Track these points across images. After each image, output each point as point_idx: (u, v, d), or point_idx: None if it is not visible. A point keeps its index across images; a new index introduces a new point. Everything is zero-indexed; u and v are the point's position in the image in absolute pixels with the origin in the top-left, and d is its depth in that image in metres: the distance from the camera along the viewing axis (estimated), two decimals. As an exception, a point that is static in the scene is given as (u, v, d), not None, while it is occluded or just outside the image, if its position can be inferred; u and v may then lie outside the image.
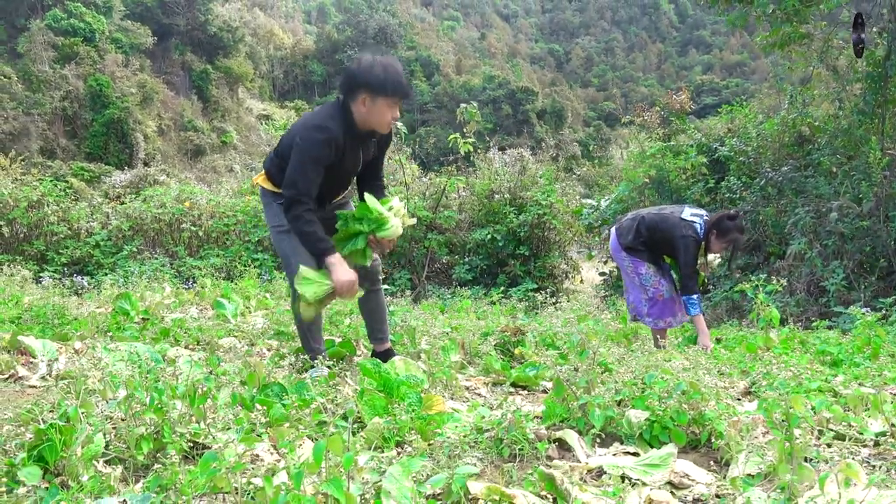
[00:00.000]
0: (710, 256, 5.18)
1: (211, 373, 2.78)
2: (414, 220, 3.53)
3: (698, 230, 4.91)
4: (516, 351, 3.85)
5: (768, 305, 4.19)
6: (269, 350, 4.04)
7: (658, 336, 5.18)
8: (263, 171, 3.57)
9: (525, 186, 12.03)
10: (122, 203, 12.10)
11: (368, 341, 3.87)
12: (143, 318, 4.87)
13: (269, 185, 3.53)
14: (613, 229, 5.37)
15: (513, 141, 63.32)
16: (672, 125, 13.73)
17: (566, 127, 79.02)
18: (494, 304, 6.77)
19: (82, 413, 1.95)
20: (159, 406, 1.98)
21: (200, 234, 11.13)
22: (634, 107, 16.32)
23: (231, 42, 62.66)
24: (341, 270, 3.18)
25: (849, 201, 9.02)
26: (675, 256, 5.04)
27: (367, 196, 3.39)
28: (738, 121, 11.94)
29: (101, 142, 46.97)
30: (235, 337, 4.25)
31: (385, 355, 3.60)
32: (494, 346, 3.92)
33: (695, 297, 4.84)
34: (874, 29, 10.18)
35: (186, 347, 3.82)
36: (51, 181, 11.67)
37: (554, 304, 7.01)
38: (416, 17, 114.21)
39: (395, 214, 3.37)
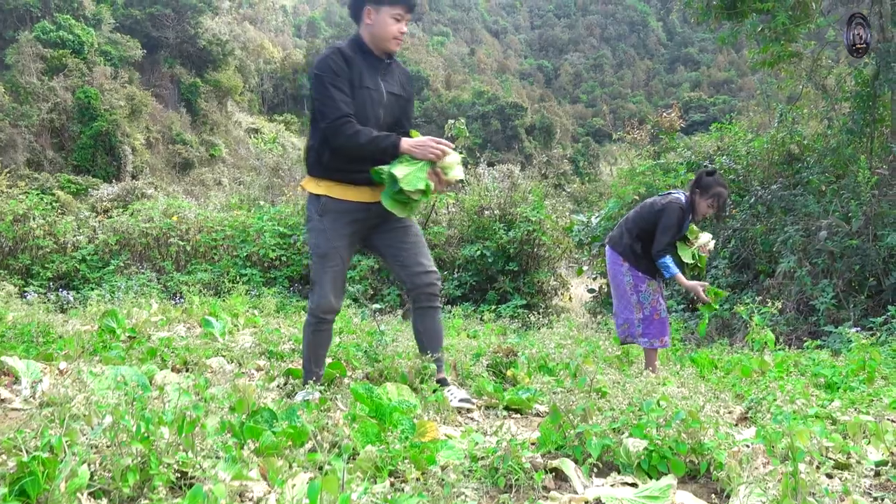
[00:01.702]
0: (705, 238, 5.01)
1: (199, 396, 2.73)
2: (462, 177, 3.35)
3: (681, 199, 4.94)
4: (508, 372, 3.81)
5: (763, 329, 4.16)
6: (258, 370, 3.98)
7: (650, 357, 5.03)
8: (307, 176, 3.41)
9: (515, 202, 12.03)
10: (110, 217, 11.99)
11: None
12: (129, 337, 4.80)
13: (310, 186, 3.35)
14: (608, 246, 5.29)
15: (502, 156, 63.55)
16: (662, 142, 13.78)
17: (555, 143, 79.33)
18: (485, 322, 6.71)
19: (66, 442, 1.89)
20: (146, 435, 1.92)
21: (188, 248, 11.04)
22: (624, 124, 16.39)
23: (220, 55, 62.64)
24: (414, 141, 3.10)
25: (838, 220, 9.04)
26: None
27: (414, 133, 3.30)
28: (728, 139, 11.99)
29: (88, 154, 46.74)
30: (223, 357, 4.19)
31: (439, 384, 3.41)
32: (486, 367, 3.87)
33: (667, 258, 4.80)
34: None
35: (174, 369, 3.76)
36: (37, 194, 11.56)
37: (546, 324, 6.97)
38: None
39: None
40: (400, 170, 3.07)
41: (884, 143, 9.59)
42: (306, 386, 3.14)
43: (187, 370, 3.76)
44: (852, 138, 9.54)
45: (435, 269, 3.46)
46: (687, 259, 4.90)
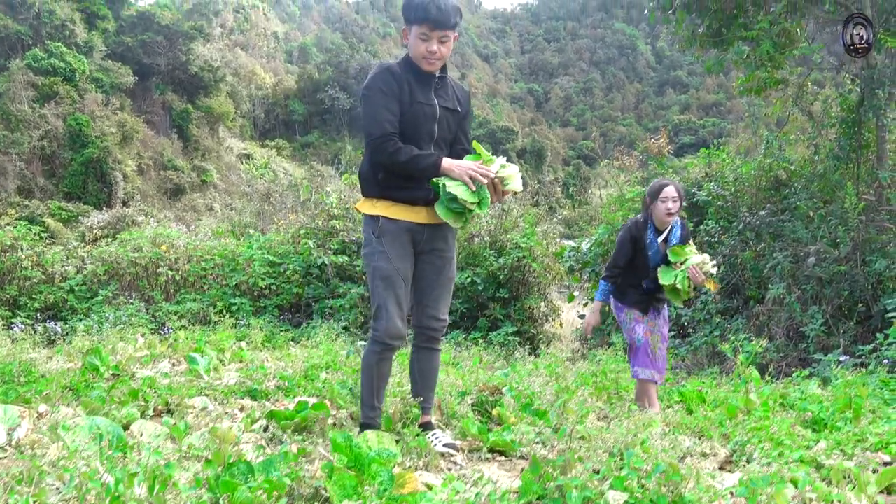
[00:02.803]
0: (697, 259, 4.59)
1: (176, 444, 2.69)
2: (521, 189, 3.32)
3: (637, 218, 4.91)
4: (494, 411, 3.77)
5: (748, 367, 4.14)
6: (241, 410, 3.94)
7: (640, 389, 4.84)
8: (362, 198, 3.36)
9: (505, 229, 12.05)
10: (98, 247, 11.93)
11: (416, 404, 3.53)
12: (113, 374, 4.75)
13: (366, 207, 3.30)
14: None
15: (493, 179, 63.69)
16: (650, 168, 13.84)
17: (546, 166, 79.75)
18: (476, 358, 6.66)
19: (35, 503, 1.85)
20: (116, 495, 1.89)
21: (177, 278, 10.98)
22: (613, 150, 16.48)
23: (212, 81, 62.91)
24: (458, 163, 3.07)
25: (826, 246, 9.07)
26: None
27: (476, 144, 3.28)
28: (715, 165, 12.05)
29: (79, 181, 46.72)
30: (207, 395, 4.14)
31: (424, 427, 3.37)
32: (472, 405, 3.84)
33: (603, 282, 4.82)
34: (847, 75, 10.35)
35: (156, 411, 3.71)
36: (25, 226, 11.49)
37: (532, 355, 6.94)
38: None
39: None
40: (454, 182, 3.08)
41: (870, 169, 9.64)
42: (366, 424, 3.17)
43: (169, 412, 3.72)
44: (839, 164, 9.59)
45: (447, 317, 3.45)
46: (665, 281, 4.62)
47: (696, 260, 4.59)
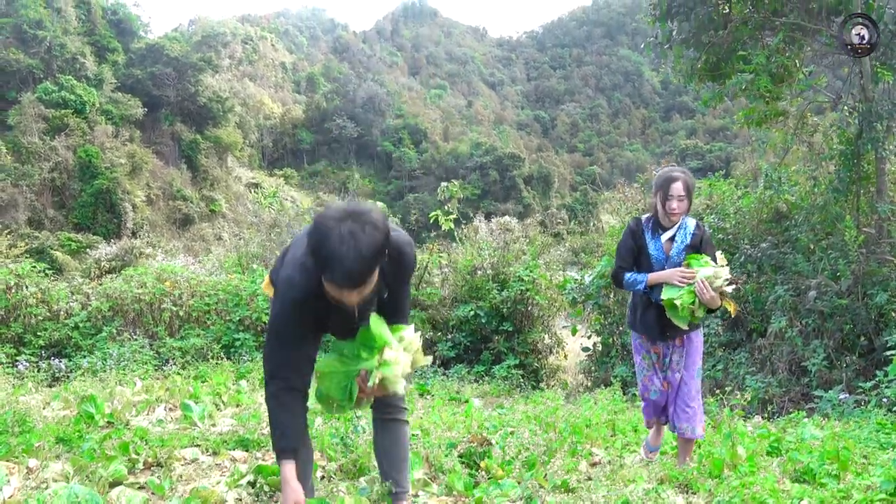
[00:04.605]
0: (706, 272, 3.89)
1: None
2: (428, 361, 2.90)
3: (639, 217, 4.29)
4: (482, 463, 3.77)
5: (734, 419, 4.13)
6: (231, 461, 3.95)
7: (653, 438, 4.35)
8: (268, 277, 3.08)
9: (508, 262, 12.09)
10: (102, 283, 11.99)
11: (382, 484, 3.10)
12: (108, 423, 4.78)
13: (270, 291, 3.01)
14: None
15: (500, 206, 63.96)
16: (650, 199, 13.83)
17: (553, 192, 79.97)
18: (469, 407, 6.61)
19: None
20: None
21: (181, 313, 11.02)
22: (615, 183, 16.53)
23: (220, 112, 63.64)
24: (288, 489, 2.61)
25: (827, 279, 9.04)
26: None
27: (373, 318, 2.75)
28: (716, 196, 12.06)
29: (89, 212, 47.18)
30: (199, 446, 4.16)
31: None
32: (460, 456, 3.83)
33: (627, 276, 4.13)
34: (845, 108, 10.38)
35: (145, 464, 3.72)
36: (30, 264, 11.56)
37: (535, 388, 6.92)
38: (404, 86, 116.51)
39: (404, 348, 2.76)
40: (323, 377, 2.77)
41: (870, 202, 9.63)
42: None
43: (159, 465, 3.73)
44: (839, 196, 9.59)
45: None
46: (665, 296, 3.94)
47: (707, 273, 3.87)
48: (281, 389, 2.69)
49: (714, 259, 4.02)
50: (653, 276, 4.02)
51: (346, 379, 2.73)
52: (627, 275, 4.12)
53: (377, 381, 2.67)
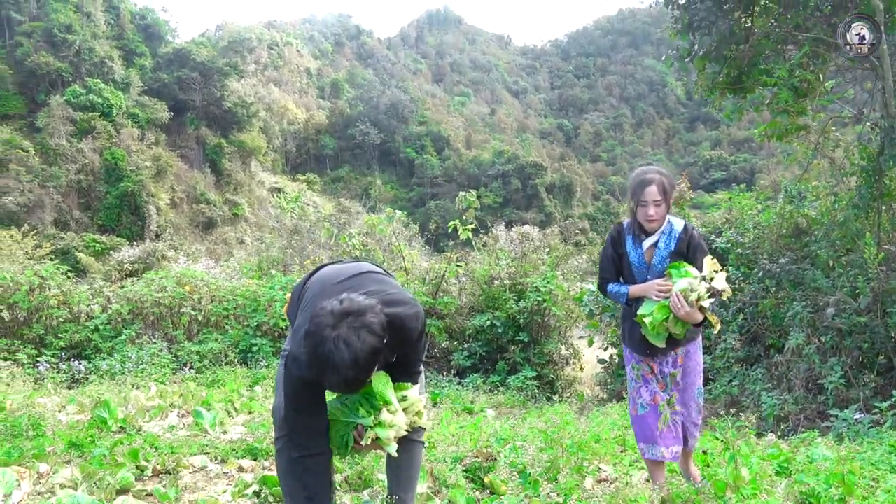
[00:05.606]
0: (682, 284, 3.52)
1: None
2: (429, 425, 2.90)
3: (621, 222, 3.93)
4: (486, 479, 3.78)
5: (738, 440, 4.10)
6: (239, 470, 3.99)
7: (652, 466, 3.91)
8: (287, 304, 3.14)
9: (525, 272, 12.08)
10: (122, 287, 12.14)
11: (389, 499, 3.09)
12: (120, 428, 4.85)
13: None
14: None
15: (522, 215, 63.91)
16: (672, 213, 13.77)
17: (575, 201, 79.76)
18: (479, 418, 6.64)
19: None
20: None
21: (200, 318, 11.14)
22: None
23: (245, 117, 64.26)
24: None
25: (846, 296, 8.94)
26: None
27: (377, 376, 2.70)
28: (736, 210, 11.98)
29: (114, 214, 47.78)
30: (208, 454, 4.20)
31: None
32: (465, 471, 3.84)
33: (611, 287, 3.88)
34: (868, 124, 10.27)
35: (154, 471, 3.78)
36: (54, 266, 11.73)
37: (550, 400, 6.91)
38: (427, 93, 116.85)
39: (404, 408, 2.75)
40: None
41: (891, 219, 9.52)
42: None
43: (168, 472, 3.78)
44: (859, 213, 9.48)
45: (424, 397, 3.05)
46: (640, 311, 3.63)
47: (682, 286, 3.49)
48: (304, 456, 2.72)
49: (700, 267, 3.61)
50: (633, 290, 3.74)
51: (343, 429, 2.72)
52: (611, 286, 3.89)
53: (371, 440, 2.67)
